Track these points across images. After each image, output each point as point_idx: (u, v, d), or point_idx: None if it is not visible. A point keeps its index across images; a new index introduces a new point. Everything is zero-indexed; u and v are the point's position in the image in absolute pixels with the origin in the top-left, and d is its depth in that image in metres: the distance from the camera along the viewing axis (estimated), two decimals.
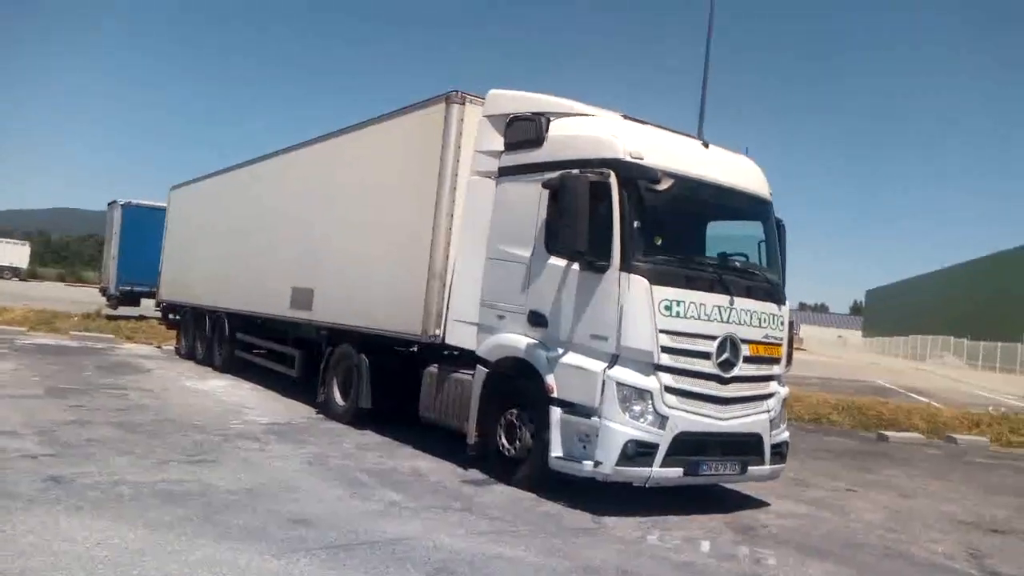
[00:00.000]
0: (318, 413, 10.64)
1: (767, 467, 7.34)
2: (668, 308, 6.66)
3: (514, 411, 7.46)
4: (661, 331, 6.62)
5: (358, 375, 9.83)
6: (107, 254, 26.80)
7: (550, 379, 6.99)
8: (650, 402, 6.59)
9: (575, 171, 6.88)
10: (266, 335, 13.23)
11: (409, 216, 9.07)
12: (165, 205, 25.04)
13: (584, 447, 6.72)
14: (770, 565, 5.72)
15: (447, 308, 8.52)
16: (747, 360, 7.08)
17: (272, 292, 12.26)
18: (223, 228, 14.87)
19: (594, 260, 6.77)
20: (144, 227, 24.62)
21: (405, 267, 8.98)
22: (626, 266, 6.66)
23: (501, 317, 7.74)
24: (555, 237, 7.14)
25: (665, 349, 6.65)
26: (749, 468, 7.18)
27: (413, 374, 9.34)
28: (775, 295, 7.50)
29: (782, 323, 7.48)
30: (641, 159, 6.89)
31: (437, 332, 8.56)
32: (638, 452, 6.53)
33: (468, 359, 8.29)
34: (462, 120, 8.63)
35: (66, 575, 4.20)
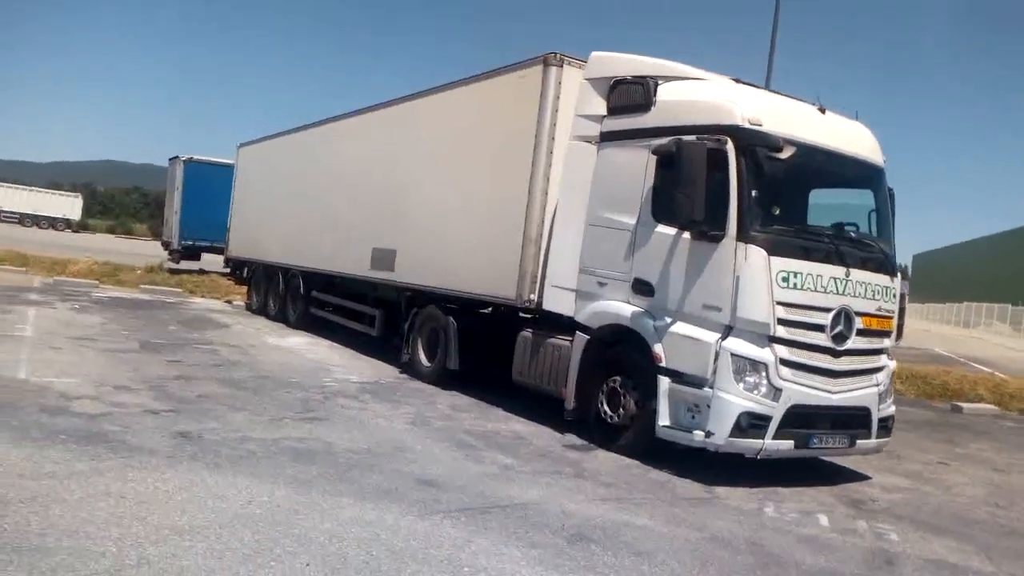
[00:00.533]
0: (401, 372, 10.78)
1: (873, 441, 7.30)
2: (785, 279, 6.59)
3: (617, 378, 7.48)
4: (777, 303, 6.56)
5: (445, 337, 9.92)
6: (169, 209, 27.23)
7: (658, 348, 6.98)
8: (764, 374, 6.55)
9: (691, 137, 6.77)
10: (343, 294, 13.39)
11: (502, 180, 9.06)
12: (226, 162, 25.45)
13: (693, 417, 6.74)
14: (893, 540, 5.71)
15: (542, 273, 8.55)
16: (860, 333, 6.99)
17: (351, 252, 12.37)
18: (297, 187, 14.97)
19: (709, 229, 6.69)
20: (206, 183, 25.00)
21: (498, 231, 8.99)
22: (743, 236, 6.57)
23: (602, 284, 7.73)
24: (666, 205, 7.07)
25: (780, 321, 6.59)
26: (857, 442, 7.14)
27: (499, 337, 9.46)
28: (888, 266, 7.38)
29: (894, 295, 7.36)
30: (760, 126, 6.75)
31: (532, 297, 8.59)
32: (751, 424, 6.52)
33: (556, 323, 8.33)
34: (560, 83, 8.55)
35: (231, 533, 4.33)
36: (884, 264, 7.35)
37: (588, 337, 7.79)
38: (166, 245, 27.23)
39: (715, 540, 5.24)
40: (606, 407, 7.55)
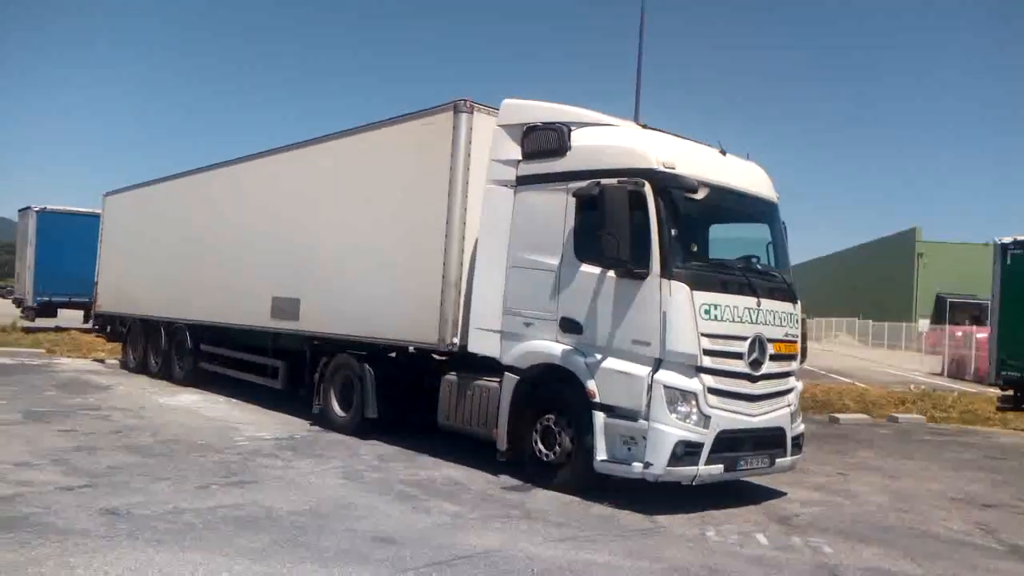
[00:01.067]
0: (313, 425, 10.46)
1: (788, 459, 7.75)
2: (707, 312, 6.96)
3: (551, 417, 7.61)
4: (702, 334, 6.91)
5: (361, 385, 9.74)
6: (21, 264, 25.35)
7: (591, 384, 7.17)
8: (695, 403, 6.86)
9: (614, 181, 7.06)
10: (237, 346, 12.88)
11: (417, 225, 9.08)
12: (86, 211, 24.23)
13: (629, 449, 6.95)
14: (828, 553, 6.08)
15: (463, 316, 8.61)
16: (772, 358, 7.45)
17: (248, 303, 11.95)
18: (181, 236, 14.29)
19: (634, 267, 6.98)
20: (62, 234, 23.68)
21: (416, 276, 8.98)
22: (667, 273, 6.89)
23: (528, 324, 7.87)
24: (589, 245, 7.32)
25: (706, 352, 6.94)
26: (776, 461, 7.57)
27: (416, 382, 9.48)
28: (791, 295, 7.91)
29: (797, 321, 7.91)
30: (674, 168, 7.14)
31: (455, 340, 8.62)
32: (686, 452, 6.80)
33: (475, 365, 8.46)
34: (471, 128, 8.70)
35: None
36: (787, 293, 7.89)
37: (518, 378, 7.88)
38: (19, 303, 25.29)
39: (677, 570, 5.42)
40: (541, 446, 7.65)
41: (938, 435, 13.90)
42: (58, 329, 24.64)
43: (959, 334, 29.72)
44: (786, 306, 7.76)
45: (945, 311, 46.25)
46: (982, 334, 27.64)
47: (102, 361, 17.47)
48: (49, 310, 25.14)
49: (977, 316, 45.10)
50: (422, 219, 8.97)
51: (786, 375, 7.77)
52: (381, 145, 9.82)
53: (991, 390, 22.11)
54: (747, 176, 7.99)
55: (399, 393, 9.68)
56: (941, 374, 29.35)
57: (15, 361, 16.66)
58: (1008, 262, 15.77)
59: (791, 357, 7.83)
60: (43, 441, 8.34)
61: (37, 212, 24.13)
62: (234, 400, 12.45)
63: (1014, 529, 7.25)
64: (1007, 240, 15.82)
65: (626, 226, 6.93)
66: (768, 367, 7.42)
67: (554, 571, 5.20)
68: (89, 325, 27.15)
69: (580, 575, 5.16)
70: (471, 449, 8.56)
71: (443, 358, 9.23)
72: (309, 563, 5.02)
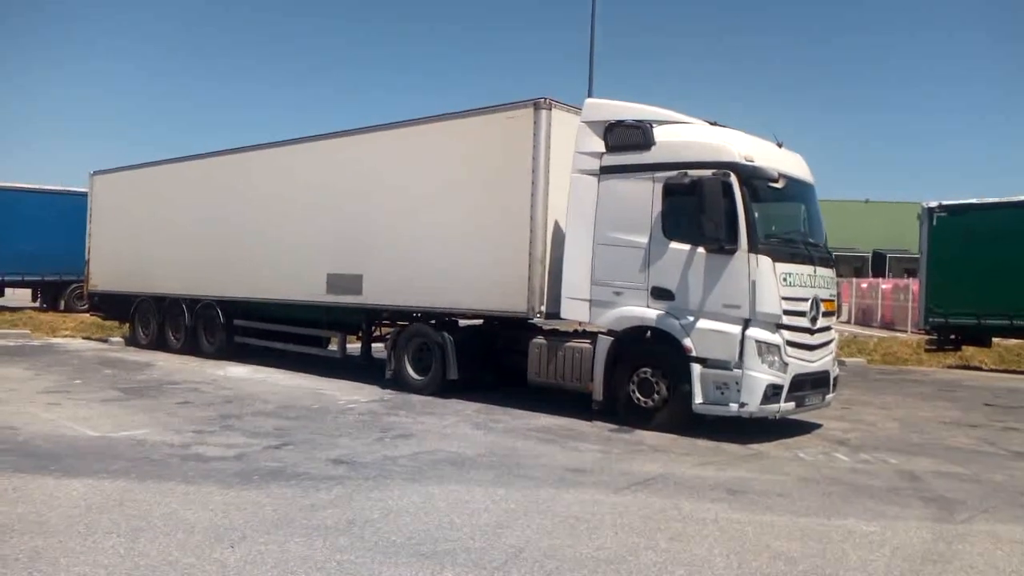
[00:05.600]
0: (385, 388, 11.49)
1: (831, 395, 9.54)
2: (785, 279, 8.56)
3: (647, 369, 9.06)
4: (782, 298, 8.51)
5: (441, 351, 10.89)
6: None
7: (687, 342, 8.66)
8: (777, 353, 8.48)
9: (707, 172, 8.50)
10: (278, 320, 13.69)
11: (503, 209, 10.24)
12: (34, 187, 24.10)
13: (722, 393, 8.51)
14: (894, 463, 7.82)
15: (547, 287, 9.93)
16: (823, 315, 9.16)
17: (297, 279, 12.79)
18: (209, 217, 14.65)
19: (725, 244, 8.47)
20: (11, 212, 23.27)
21: (503, 254, 10.18)
22: (753, 248, 8.42)
23: (618, 293, 9.26)
24: (678, 226, 8.79)
25: (784, 312, 8.55)
26: (825, 397, 9.33)
27: (485, 346, 10.84)
28: (831, 261, 9.63)
29: (836, 283, 9.65)
30: (753, 161, 8.65)
31: (542, 308, 9.94)
32: (773, 393, 8.42)
33: (523, 327, 10.38)
34: (550, 123, 9.93)
35: (553, 535, 5.37)
36: (829, 260, 9.59)
37: (612, 338, 9.29)
38: None
39: (805, 479, 7.01)
40: (638, 394, 9.11)
41: (887, 375, 16.25)
42: (5, 309, 24.18)
43: (864, 285, 33.06)
44: (829, 271, 9.47)
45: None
46: (887, 285, 31.01)
47: (105, 340, 17.63)
48: None
49: (859, 268, 49.63)
50: (508, 203, 10.14)
51: (829, 328, 9.50)
52: (466, 134, 10.80)
53: (900, 334, 25.24)
54: (796, 165, 9.60)
55: (472, 357, 10.93)
56: (848, 322, 32.67)
57: (15, 343, 16.69)
58: (934, 223, 18.17)
59: (833, 313, 9.57)
60: (179, 413, 9.13)
61: None
62: (282, 371, 13.24)
63: (1007, 441, 9.28)
64: (933, 204, 18.20)
65: (720, 211, 8.39)
66: (820, 322, 9.11)
67: (726, 485, 6.67)
68: (38, 304, 26.76)
69: (747, 487, 6.65)
70: (546, 402, 9.97)
71: (496, 323, 10.93)
72: (550, 487, 6.31)
